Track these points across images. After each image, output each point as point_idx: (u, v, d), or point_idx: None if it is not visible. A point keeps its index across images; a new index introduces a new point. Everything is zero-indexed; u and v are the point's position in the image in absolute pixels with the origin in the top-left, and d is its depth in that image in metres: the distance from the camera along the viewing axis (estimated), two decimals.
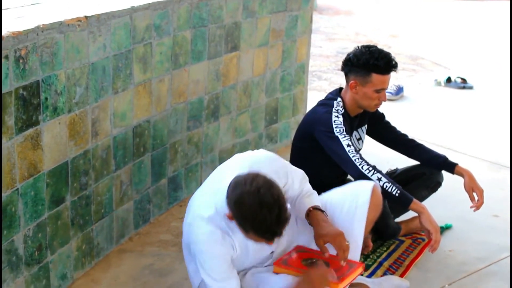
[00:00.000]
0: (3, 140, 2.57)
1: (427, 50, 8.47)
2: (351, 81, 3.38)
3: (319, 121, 3.36)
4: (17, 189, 2.69)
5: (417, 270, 3.33)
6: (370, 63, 3.31)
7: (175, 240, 3.54)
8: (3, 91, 2.53)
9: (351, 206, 2.92)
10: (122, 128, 3.34)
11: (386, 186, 3.15)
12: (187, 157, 3.95)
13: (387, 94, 6.23)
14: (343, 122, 3.31)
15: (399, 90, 6.36)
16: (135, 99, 3.40)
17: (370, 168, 3.19)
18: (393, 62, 3.34)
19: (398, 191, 3.16)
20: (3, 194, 2.61)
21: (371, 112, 3.57)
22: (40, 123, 2.78)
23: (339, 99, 3.43)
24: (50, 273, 2.97)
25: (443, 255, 3.45)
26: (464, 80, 6.74)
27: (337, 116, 3.33)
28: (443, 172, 3.65)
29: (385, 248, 3.50)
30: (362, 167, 3.20)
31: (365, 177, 3.16)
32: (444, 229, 3.70)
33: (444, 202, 3.91)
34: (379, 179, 3.16)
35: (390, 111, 5.93)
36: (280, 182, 2.59)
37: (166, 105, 3.66)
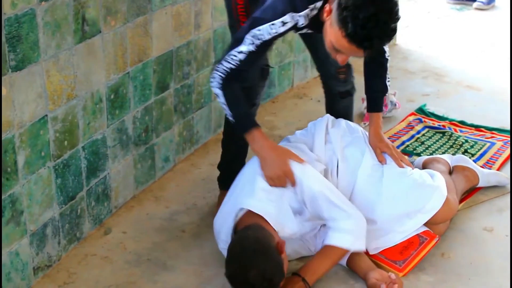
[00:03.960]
0: (117, 25, 2.74)
1: None
2: (327, 6, 2.42)
3: None
4: (128, 72, 2.87)
5: (505, 169, 3.40)
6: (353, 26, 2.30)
7: (269, 133, 3.70)
8: None
9: (414, 207, 2.73)
10: (222, 22, 3.46)
11: (224, 109, 2.62)
12: (281, 55, 4.07)
13: (479, 3, 6.24)
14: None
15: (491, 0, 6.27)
16: None
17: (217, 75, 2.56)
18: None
19: (234, 118, 2.60)
20: (116, 76, 2.80)
21: None
22: (149, 11, 2.93)
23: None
24: (155, 155, 3.18)
25: None
26: None
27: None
28: None
29: (478, 148, 3.58)
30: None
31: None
32: None
33: None
34: (217, 96, 2.60)
35: (481, 21, 5.93)
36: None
37: None
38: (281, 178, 2.56)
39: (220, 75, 2.55)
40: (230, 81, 2.56)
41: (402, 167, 2.78)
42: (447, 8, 6.34)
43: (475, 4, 6.27)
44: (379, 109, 2.93)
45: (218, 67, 2.55)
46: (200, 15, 3.29)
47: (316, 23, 2.51)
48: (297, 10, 2.45)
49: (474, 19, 6.03)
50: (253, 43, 2.48)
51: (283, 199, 2.57)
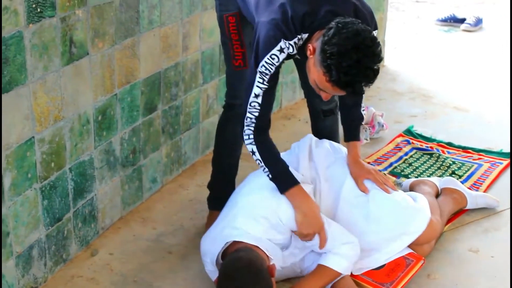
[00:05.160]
0: (105, 47, 2.76)
1: None
2: (310, 45, 2.47)
3: None
4: (116, 94, 2.89)
5: (491, 190, 3.42)
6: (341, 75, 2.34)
7: None
8: (105, 1, 2.71)
9: (399, 229, 2.75)
10: (210, 44, 3.49)
11: (259, 165, 2.60)
12: None
13: (466, 25, 6.30)
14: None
15: (478, 21, 6.33)
16: None
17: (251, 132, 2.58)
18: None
19: (272, 176, 2.58)
20: (103, 98, 2.81)
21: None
22: (137, 33, 2.95)
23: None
24: (142, 176, 3.19)
25: None
26: None
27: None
28: None
29: (466, 169, 3.60)
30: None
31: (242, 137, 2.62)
32: None
33: None
34: (253, 153, 2.60)
35: (468, 42, 5.98)
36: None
37: None
38: (312, 236, 2.59)
39: (250, 129, 2.56)
40: (261, 132, 2.58)
41: (388, 192, 2.79)
42: (435, 30, 6.40)
43: (462, 26, 6.32)
44: (357, 138, 2.92)
45: (246, 122, 2.56)
46: (188, 37, 3.31)
47: (302, 50, 2.55)
48: (287, 38, 2.47)
49: (461, 40, 6.09)
50: (263, 81, 2.50)
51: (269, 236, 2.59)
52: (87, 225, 2.86)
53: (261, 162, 2.58)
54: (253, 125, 2.56)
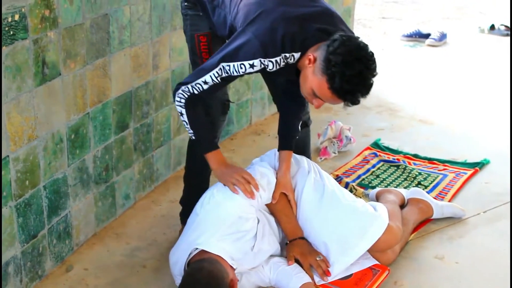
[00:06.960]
0: (77, 68, 2.82)
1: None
2: (311, 55, 2.56)
3: None
4: (88, 113, 2.95)
5: (456, 199, 3.52)
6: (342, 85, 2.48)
7: None
8: (76, 23, 2.77)
9: (357, 234, 2.81)
10: (180, 63, 3.57)
11: (186, 127, 2.75)
12: (239, 93, 4.18)
13: (431, 40, 6.44)
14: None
15: (443, 36, 6.48)
16: None
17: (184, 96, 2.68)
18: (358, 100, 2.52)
19: (195, 138, 2.76)
20: (76, 117, 2.88)
21: None
22: (108, 54, 3.02)
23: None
24: (115, 193, 3.25)
25: (480, 186, 3.65)
26: (508, 28, 6.80)
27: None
28: None
29: (431, 180, 3.70)
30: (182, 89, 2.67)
31: (174, 97, 2.72)
32: (484, 164, 3.88)
33: (485, 140, 4.13)
34: (181, 114, 2.72)
35: (433, 57, 6.12)
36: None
37: None
38: (241, 179, 2.70)
39: (184, 96, 2.66)
40: (193, 102, 2.68)
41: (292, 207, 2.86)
42: (401, 45, 6.53)
43: (427, 41, 6.47)
44: (291, 148, 2.97)
45: (184, 89, 2.65)
46: (158, 56, 3.39)
47: (290, 66, 2.64)
48: (268, 56, 2.55)
49: (426, 55, 6.23)
50: (219, 76, 2.59)
51: (239, 238, 2.67)
52: (61, 241, 2.91)
53: (187, 124, 2.72)
54: (189, 95, 2.66)
